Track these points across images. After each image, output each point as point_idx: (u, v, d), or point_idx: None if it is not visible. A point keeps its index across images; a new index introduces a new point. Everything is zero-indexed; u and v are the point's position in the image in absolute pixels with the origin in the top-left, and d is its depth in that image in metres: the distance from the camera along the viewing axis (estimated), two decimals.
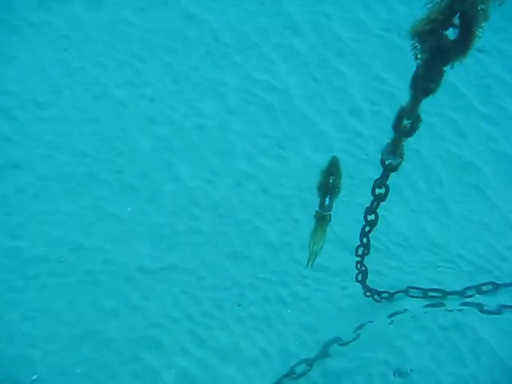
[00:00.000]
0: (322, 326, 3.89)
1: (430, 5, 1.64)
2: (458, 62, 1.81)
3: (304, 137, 5.03)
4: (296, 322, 3.94)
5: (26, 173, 4.65)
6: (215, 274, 4.18)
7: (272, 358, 3.75)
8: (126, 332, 3.85)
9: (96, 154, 4.81)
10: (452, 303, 3.83)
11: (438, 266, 4.22)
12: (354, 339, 3.73)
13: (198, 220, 4.47)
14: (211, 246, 4.32)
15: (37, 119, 5.00)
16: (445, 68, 1.83)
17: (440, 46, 1.73)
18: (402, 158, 2.34)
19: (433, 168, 4.86)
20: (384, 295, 3.88)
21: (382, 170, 2.50)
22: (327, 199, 2.50)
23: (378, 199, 2.67)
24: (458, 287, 3.94)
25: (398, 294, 3.91)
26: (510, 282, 3.97)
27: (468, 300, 3.85)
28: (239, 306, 4.03)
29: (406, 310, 3.83)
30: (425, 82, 1.89)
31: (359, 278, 3.55)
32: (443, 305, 3.83)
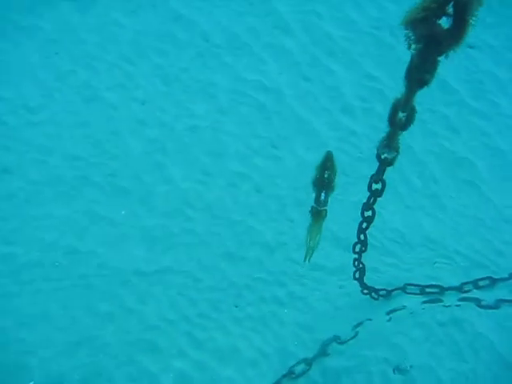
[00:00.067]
0: (319, 325, 3.87)
1: None
2: (451, 53, 1.79)
3: (297, 136, 5.02)
4: (293, 321, 3.92)
5: (18, 178, 4.61)
6: (211, 276, 4.15)
7: (270, 359, 3.73)
8: (122, 336, 3.82)
9: (88, 157, 4.78)
10: (450, 299, 3.83)
11: (435, 262, 4.21)
12: (352, 337, 3.72)
13: (191, 221, 4.44)
14: (206, 248, 4.30)
15: (27, 124, 4.96)
16: (439, 58, 1.81)
17: (434, 35, 1.71)
18: (397, 151, 2.32)
19: (426, 164, 4.86)
20: (381, 293, 3.86)
21: (377, 165, 2.48)
22: (323, 194, 2.48)
23: (375, 195, 2.64)
24: (455, 283, 3.94)
25: (395, 291, 3.89)
26: (506, 276, 3.97)
27: (465, 295, 3.85)
28: (236, 306, 4.01)
29: (403, 307, 3.82)
30: (419, 73, 1.87)
31: (357, 275, 3.53)
32: (441, 301, 3.83)
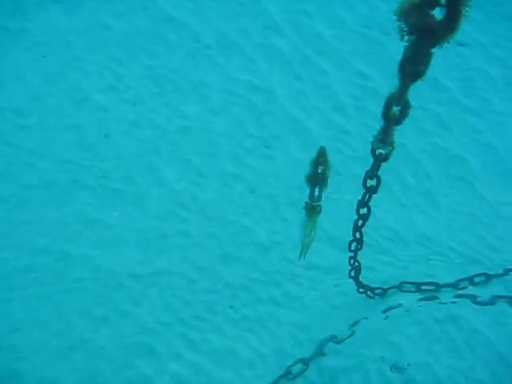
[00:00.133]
0: (316, 325, 3.86)
1: None
2: (443, 46, 1.78)
3: (289, 135, 5.01)
4: (290, 321, 3.90)
5: (8, 182, 4.56)
6: (206, 277, 4.13)
7: (267, 359, 3.71)
8: (117, 339, 3.79)
9: (79, 160, 4.74)
10: (445, 296, 3.83)
11: (430, 259, 4.21)
12: (349, 336, 3.71)
13: (185, 223, 4.41)
14: (201, 249, 4.27)
15: (16, 127, 4.91)
16: (433, 50, 1.80)
17: (427, 26, 1.69)
18: (392, 146, 2.30)
19: (419, 162, 4.86)
20: (377, 291, 3.85)
21: (371, 161, 2.46)
22: (316, 190, 2.47)
23: (370, 191, 2.63)
24: (450, 279, 3.94)
25: (391, 290, 3.88)
26: (501, 272, 3.97)
27: (461, 292, 3.85)
28: (232, 307, 3.98)
29: (400, 305, 3.82)
30: (413, 65, 1.85)
31: (352, 274, 3.51)
32: (437, 298, 3.83)
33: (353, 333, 3.72)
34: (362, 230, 2.95)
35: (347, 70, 5.49)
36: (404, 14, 1.67)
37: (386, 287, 3.88)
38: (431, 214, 4.54)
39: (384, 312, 3.80)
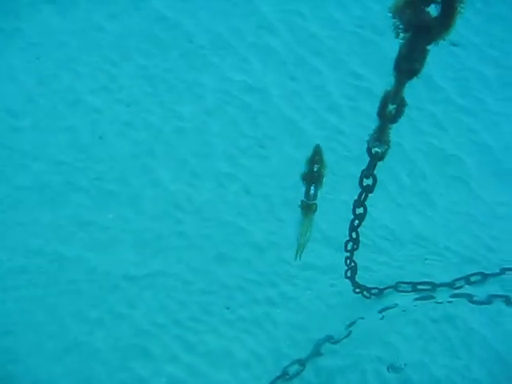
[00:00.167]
0: (312, 325, 3.84)
1: None
2: (439, 44, 1.78)
3: (284, 135, 5.00)
4: (286, 322, 3.88)
5: (2, 184, 4.53)
6: (201, 278, 4.10)
7: (264, 360, 3.69)
8: (112, 341, 3.75)
9: (73, 161, 4.71)
10: (442, 295, 3.82)
11: (426, 259, 4.21)
12: (345, 337, 3.70)
13: (181, 224, 4.39)
14: (196, 250, 4.25)
15: (10, 129, 4.89)
16: (428, 47, 1.79)
17: (422, 23, 1.68)
18: (388, 145, 2.29)
19: (415, 162, 4.86)
20: (373, 291, 3.84)
21: (367, 160, 2.45)
22: (312, 188, 2.46)
23: (366, 191, 2.62)
24: (446, 279, 3.93)
25: (387, 290, 3.87)
26: (497, 271, 3.97)
27: (457, 291, 3.83)
28: (227, 308, 3.96)
29: (396, 305, 3.81)
30: (408, 63, 1.85)
31: (348, 274, 3.50)
32: (433, 297, 3.82)
33: (349, 333, 3.71)
34: (358, 229, 2.95)
35: (341, 70, 5.48)
36: (399, 11, 1.67)
37: (382, 287, 3.86)
38: (427, 213, 4.54)
39: (380, 312, 3.79)
